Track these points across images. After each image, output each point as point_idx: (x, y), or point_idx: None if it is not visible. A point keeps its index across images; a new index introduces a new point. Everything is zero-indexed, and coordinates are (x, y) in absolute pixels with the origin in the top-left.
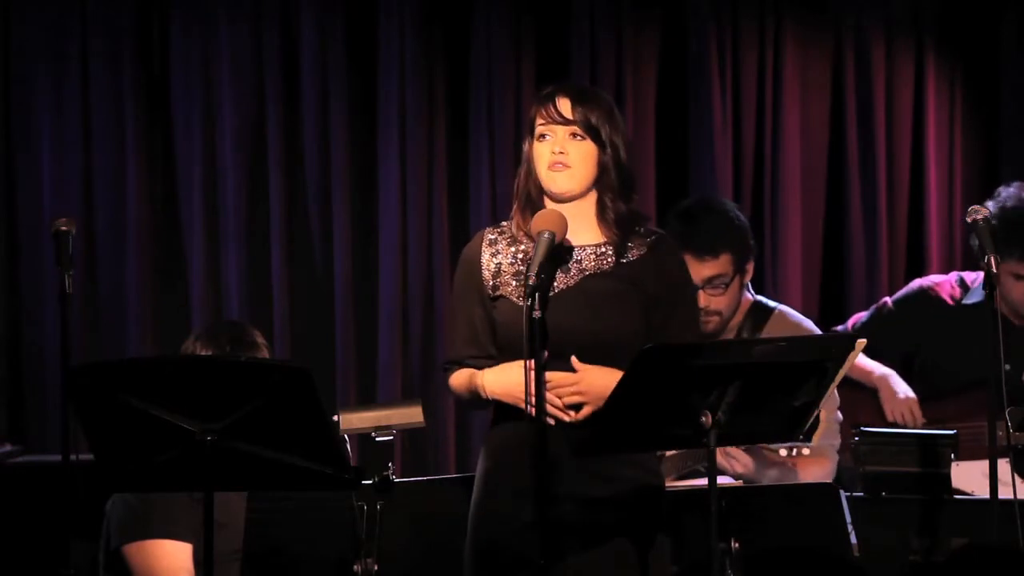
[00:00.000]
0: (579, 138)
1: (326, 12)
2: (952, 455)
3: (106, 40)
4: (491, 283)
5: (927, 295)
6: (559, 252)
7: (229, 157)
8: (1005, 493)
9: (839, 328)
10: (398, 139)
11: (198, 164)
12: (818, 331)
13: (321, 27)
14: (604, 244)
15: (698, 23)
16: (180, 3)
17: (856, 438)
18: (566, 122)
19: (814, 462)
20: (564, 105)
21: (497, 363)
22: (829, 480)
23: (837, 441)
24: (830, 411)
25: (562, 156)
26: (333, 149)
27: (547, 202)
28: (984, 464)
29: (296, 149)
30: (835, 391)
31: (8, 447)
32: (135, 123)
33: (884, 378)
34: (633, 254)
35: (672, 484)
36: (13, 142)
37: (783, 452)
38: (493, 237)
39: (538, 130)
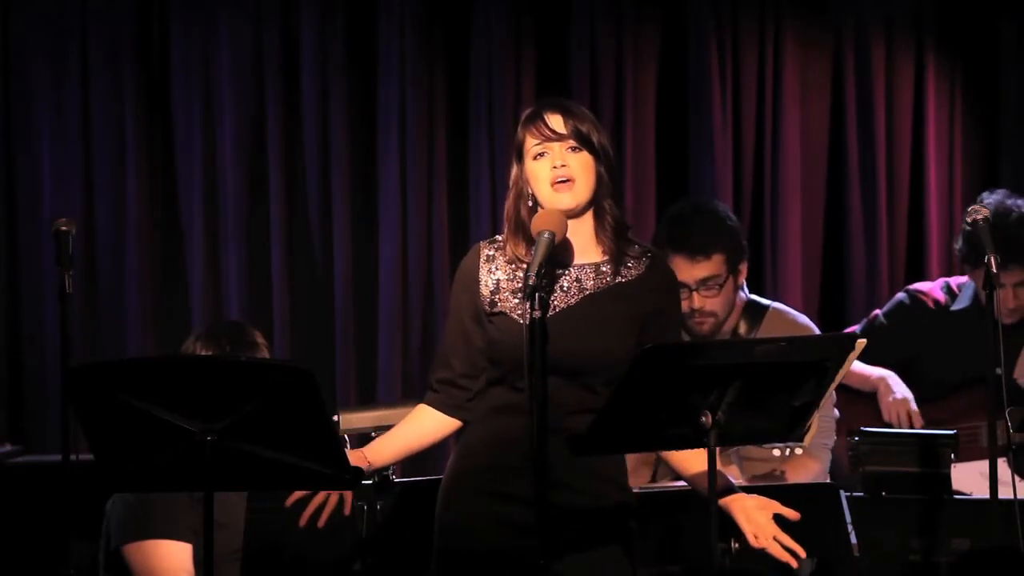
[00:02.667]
0: (576, 150)
1: (326, 12)
2: (952, 455)
3: (106, 40)
4: (488, 299)
5: (915, 303)
6: (559, 252)
7: (229, 157)
8: (1005, 493)
9: None
10: (398, 139)
11: (198, 164)
12: (814, 327)
13: (321, 27)
14: (603, 263)
15: (698, 23)
16: (180, 3)
17: (856, 438)
18: (561, 137)
19: (802, 464)
20: (556, 121)
21: (482, 380)
22: (818, 481)
23: (831, 440)
24: (826, 410)
25: (564, 170)
26: (333, 149)
27: None
28: (983, 464)
29: (296, 149)
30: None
31: (8, 447)
32: (135, 123)
33: (883, 379)
34: (631, 272)
35: (671, 484)
36: (13, 142)
37: (776, 452)
38: (490, 253)
39: (533, 150)
